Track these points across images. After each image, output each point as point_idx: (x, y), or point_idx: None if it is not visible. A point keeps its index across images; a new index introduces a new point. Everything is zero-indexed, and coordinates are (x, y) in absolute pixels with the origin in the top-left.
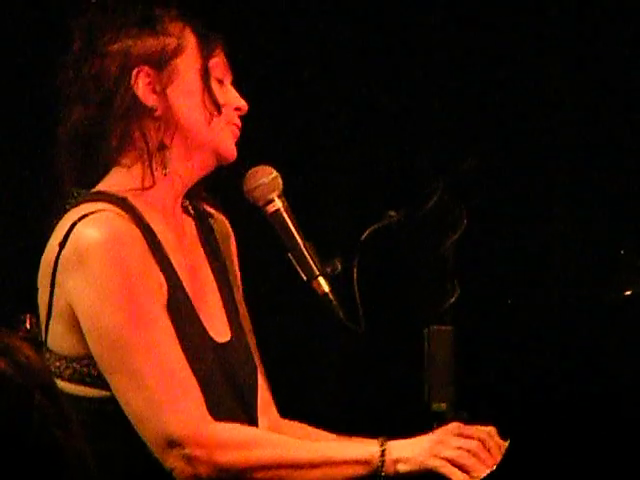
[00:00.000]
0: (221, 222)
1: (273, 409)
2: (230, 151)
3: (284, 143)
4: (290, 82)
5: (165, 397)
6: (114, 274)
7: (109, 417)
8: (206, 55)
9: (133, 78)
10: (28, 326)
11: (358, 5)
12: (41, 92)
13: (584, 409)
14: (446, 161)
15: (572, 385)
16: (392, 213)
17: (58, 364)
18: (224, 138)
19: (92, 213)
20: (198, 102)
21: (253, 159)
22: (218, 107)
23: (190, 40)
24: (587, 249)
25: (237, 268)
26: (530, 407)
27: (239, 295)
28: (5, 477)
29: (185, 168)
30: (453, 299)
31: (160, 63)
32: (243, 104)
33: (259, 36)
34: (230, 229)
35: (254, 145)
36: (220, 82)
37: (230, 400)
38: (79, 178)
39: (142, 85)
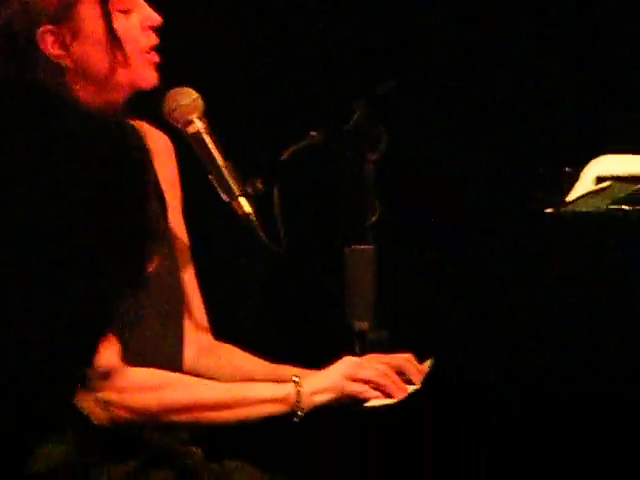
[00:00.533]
0: (156, 137)
1: (208, 331)
2: (150, 81)
3: (207, 65)
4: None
5: None
6: None
7: None
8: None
9: (39, 38)
10: None
11: None
12: None
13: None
14: (366, 82)
15: (498, 299)
16: (313, 133)
17: None
18: (141, 71)
19: None
20: (104, 47)
21: (176, 82)
22: (124, 56)
23: None
24: (507, 169)
25: (176, 183)
26: (450, 322)
27: (176, 211)
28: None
29: (102, 104)
30: (374, 218)
31: (62, 18)
32: (155, 19)
33: None
34: (167, 145)
35: (178, 67)
36: (125, 12)
37: (156, 320)
38: None
39: (49, 43)
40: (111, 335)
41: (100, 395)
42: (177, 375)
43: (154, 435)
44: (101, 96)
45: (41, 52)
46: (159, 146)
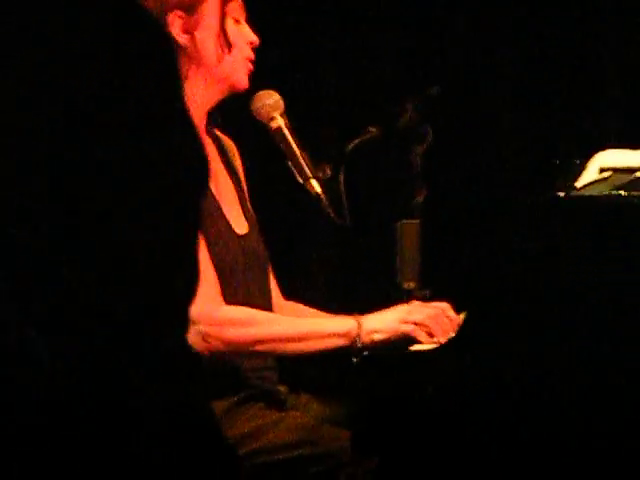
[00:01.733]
0: (230, 143)
1: (278, 291)
2: (243, 82)
3: (286, 75)
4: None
5: None
6: None
7: None
8: (225, 1)
9: (170, 20)
10: None
11: None
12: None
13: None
14: (415, 85)
15: (518, 267)
16: (371, 129)
17: None
18: (238, 71)
19: None
20: (217, 42)
21: (260, 87)
22: (229, 46)
23: None
24: (529, 159)
25: (244, 178)
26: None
27: (248, 200)
28: None
29: (203, 96)
30: (421, 198)
31: (190, 8)
32: (255, 39)
33: None
34: (235, 148)
35: (260, 75)
36: (237, 22)
37: (251, 281)
38: None
39: (177, 27)
40: (212, 275)
41: (201, 327)
42: (263, 312)
43: (250, 375)
44: (206, 85)
45: (168, 32)
46: (233, 149)
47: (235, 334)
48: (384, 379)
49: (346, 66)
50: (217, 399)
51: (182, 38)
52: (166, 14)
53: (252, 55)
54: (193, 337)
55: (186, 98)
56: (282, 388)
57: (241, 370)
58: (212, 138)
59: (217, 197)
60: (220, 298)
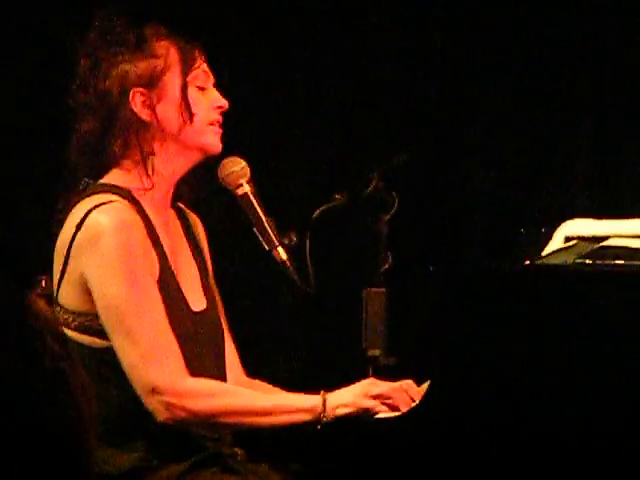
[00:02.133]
0: (194, 217)
1: (240, 369)
2: (214, 147)
3: (250, 136)
4: (253, 82)
5: (152, 354)
6: (120, 255)
7: (108, 364)
8: (186, 71)
9: (131, 98)
10: (43, 285)
11: None
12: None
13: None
14: (382, 155)
15: (482, 334)
16: (338, 196)
17: (66, 316)
18: (206, 138)
19: (104, 204)
20: (178, 113)
21: (226, 150)
22: (191, 116)
23: (174, 58)
24: (496, 228)
25: (208, 256)
26: (449, 355)
27: (211, 274)
28: (21, 398)
29: (173, 167)
30: (386, 266)
31: (151, 83)
32: (223, 103)
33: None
34: (199, 222)
35: (226, 138)
36: (202, 89)
37: (205, 358)
38: (89, 171)
39: (139, 103)
40: (176, 348)
41: (164, 398)
42: (227, 385)
43: (204, 439)
44: (175, 156)
45: (130, 110)
46: (197, 223)
47: (199, 405)
48: (350, 445)
49: (315, 133)
50: (170, 462)
51: (144, 114)
52: (127, 91)
53: (219, 119)
54: (156, 406)
55: (153, 172)
56: (238, 450)
57: (197, 433)
58: (177, 212)
59: (176, 273)
60: (185, 370)
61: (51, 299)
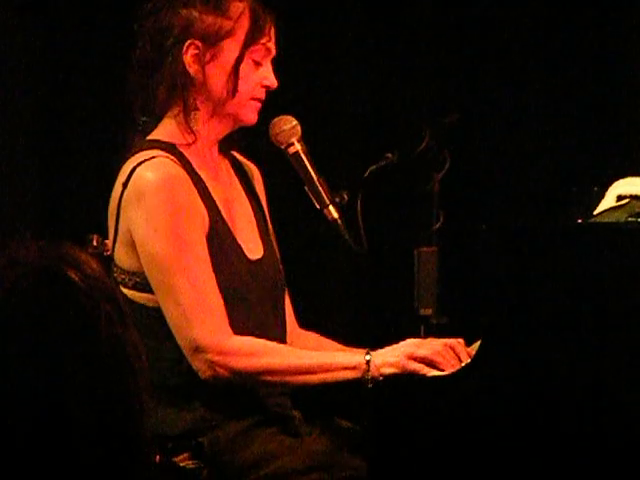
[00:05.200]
0: (251, 166)
1: (293, 320)
2: (250, 119)
3: (302, 95)
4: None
5: (195, 312)
6: (164, 210)
7: (163, 320)
8: (248, 44)
9: (185, 48)
10: (95, 244)
11: None
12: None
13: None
14: (433, 113)
15: (534, 293)
16: (389, 155)
17: (123, 276)
18: (245, 111)
19: (149, 159)
20: (225, 82)
21: (276, 110)
22: (235, 90)
23: (243, 25)
24: (548, 186)
25: (265, 200)
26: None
27: (269, 222)
28: (81, 368)
29: (211, 127)
30: (438, 225)
31: (211, 41)
32: (272, 82)
33: None
34: (257, 171)
35: (277, 97)
36: (257, 64)
37: (263, 305)
38: (143, 106)
39: (190, 56)
40: (220, 305)
41: (208, 356)
42: (271, 343)
43: (265, 399)
44: (214, 118)
45: (182, 57)
46: (255, 172)
47: (243, 364)
48: (400, 404)
49: (365, 92)
50: (231, 420)
51: (192, 68)
52: (185, 40)
53: (262, 96)
54: (200, 364)
55: (196, 126)
56: (296, 413)
57: (256, 394)
58: (230, 160)
59: (230, 223)
60: (229, 328)
61: (103, 258)
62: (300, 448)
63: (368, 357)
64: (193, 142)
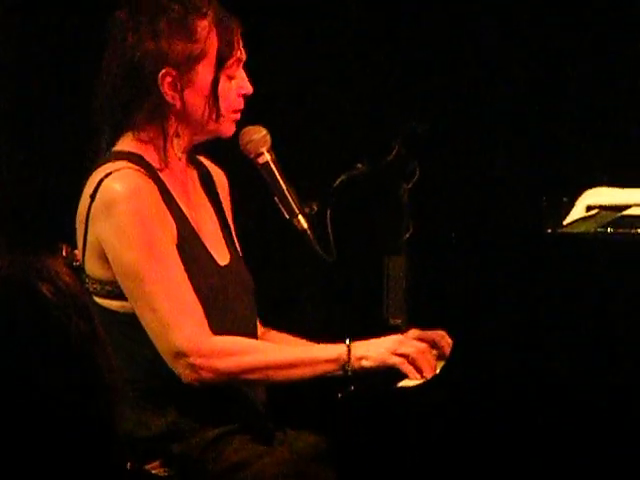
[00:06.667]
0: (216, 171)
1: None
2: (228, 132)
3: (273, 106)
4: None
5: (172, 318)
6: (133, 221)
7: (139, 327)
8: (221, 64)
9: (160, 78)
10: (64, 254)
11: None
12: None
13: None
14: (403, 123)
15: (502, 301)
16: (359, 165)
17: (95, 285)
18: (225, 125)
19: (116, 171)
20: (205, 103)
21: (247, 119)
22: (217, 109)
23: (212, 44)
24: (517, 196)
25: (230, 209)
26: (471, 319)
27: (232, 227)
28: (48, 382)
29: (189, 139)
30: (407, 234)
31: (184, 67)
32: (247, 90)
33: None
34: (225, 178)
35: (249, 106)
36: (230, 78)
37: (236, 309)
38: (111, 137)
39: (166, 85)
40: (198, 307)
41: (190, 360)
42: (252, 341)
43: (239, 408)
44: (192, 133)
45: (157, 88)
46: (220, 177)
47: (226, 364)
48: (370, 415)
49: (335, 102)
50: (205, 427)
51: (169, 96)
52: (158, 70)
53: (241, 105)
54: (182, 369)
55: (171, 149)
56: (269, 424)
57: (230, 402)
58: (196, 166)
59: (198, 230)
60: (208, 329)
61: (72, 267)
62: (272, 456)
63: (348, 348)
64: (164, 167)
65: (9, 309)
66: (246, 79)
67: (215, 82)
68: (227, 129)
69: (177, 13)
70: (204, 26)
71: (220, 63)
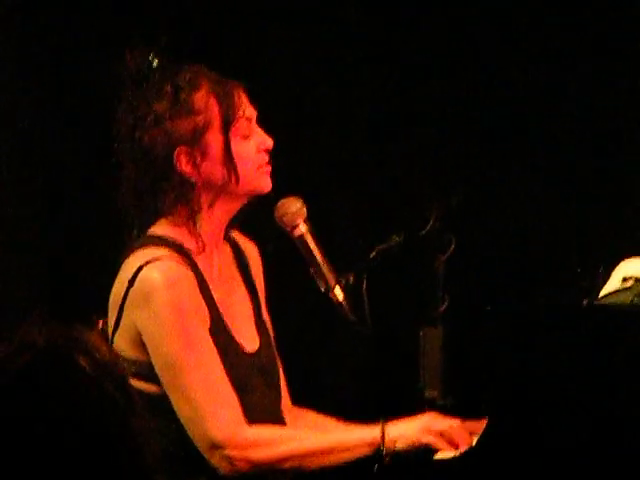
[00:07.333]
0: (251, 247)
1: (287, 397)
2: (265, 187)
3: (308, 175)
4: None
5: (207, 408)
6: (172, 312)
7: (166, 409)
8: (227, 126)
9: (175, 158)
10: (99, 327)
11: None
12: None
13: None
14: (438, 194)
15: (539, 374)
16: (395, 237)
17: (124, 364)
18: (258, 181)
19: (155, 259)
20: (222, 168)
21: (282, 188)
22: (235, 169)
23: (214, 112)
24: (552, 268)
25: (263, 284)
26: (506, 394)
27: (264, 307)
28: (85, 455)
29: (222, 213)
30: (443, 306)
31: (194, 141)
32: (268, 144)
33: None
34: (257, 252)
35: (282, 176)
36: (245, 137)
37: (261, 396)
38: (140, 219)
39: (183, 162)
40: (233, 397)
41: (225, 452)
42: (286, 430)
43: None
44: (222, 204)
45: (175, 169)
46: (253, 253)
47: (261, 454)
48: None
49: (371, 174)
50: None
51: (189, 172)
52: (172, 150)
53: (266, 158)
54: (218, 461)
55: (203, 226)
56: None
57: (262, 473)
58: (231, 245)
59: (226, 318)
60: (242, 419)
61: (108, 340)
62: None
63: (383, 431)
64: (202, 250)
65: (47, 381)
66: (263, 134)
67: (227, 146)
68: (261, 185)
69: (171, 93)
70: (201, 97)
71: (226, 127)
